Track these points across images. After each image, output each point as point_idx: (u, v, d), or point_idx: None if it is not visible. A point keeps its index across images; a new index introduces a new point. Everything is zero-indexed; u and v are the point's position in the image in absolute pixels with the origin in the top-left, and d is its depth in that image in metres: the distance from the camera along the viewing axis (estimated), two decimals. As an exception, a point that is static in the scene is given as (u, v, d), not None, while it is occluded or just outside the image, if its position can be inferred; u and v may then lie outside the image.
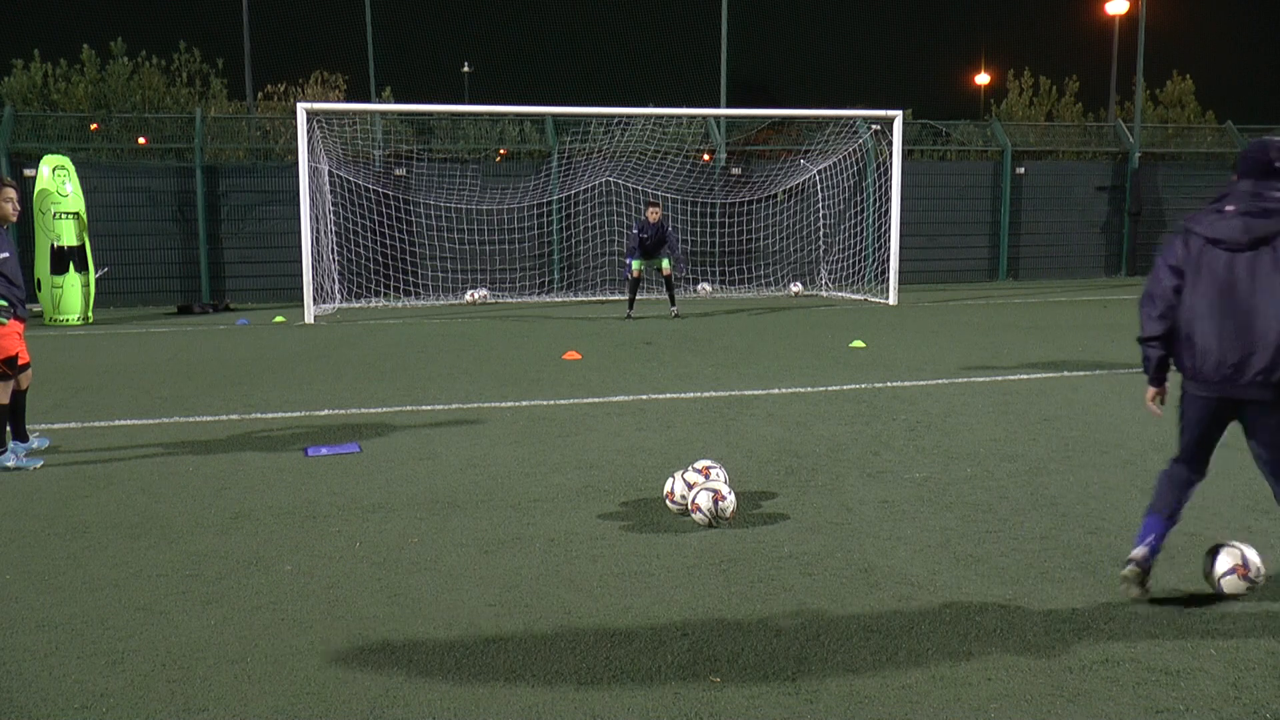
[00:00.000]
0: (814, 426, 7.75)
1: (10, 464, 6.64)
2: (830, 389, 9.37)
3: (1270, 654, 3.75)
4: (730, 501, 5.31)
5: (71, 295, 16.28)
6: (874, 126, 20.47)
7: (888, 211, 19.18)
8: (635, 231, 15.83)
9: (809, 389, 9.36)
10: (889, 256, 18.61)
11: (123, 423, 8.15)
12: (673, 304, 16.12)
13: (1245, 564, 4.21)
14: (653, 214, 15.65)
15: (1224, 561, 4.23)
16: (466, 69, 38.67)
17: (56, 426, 7.95)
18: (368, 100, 22.12)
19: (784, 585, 4.47)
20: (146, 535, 5.26)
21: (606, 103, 20.36)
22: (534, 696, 3.48)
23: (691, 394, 9.18)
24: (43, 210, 16.26)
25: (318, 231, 17.55)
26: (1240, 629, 3.97)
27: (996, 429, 7.60)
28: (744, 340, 13.11)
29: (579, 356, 11.59)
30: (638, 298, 16.55)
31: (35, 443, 7.16)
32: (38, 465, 6.72)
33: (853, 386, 9.49)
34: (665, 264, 15.82)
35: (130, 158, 20.65)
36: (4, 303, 6.66)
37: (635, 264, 15.92)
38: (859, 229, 21.56)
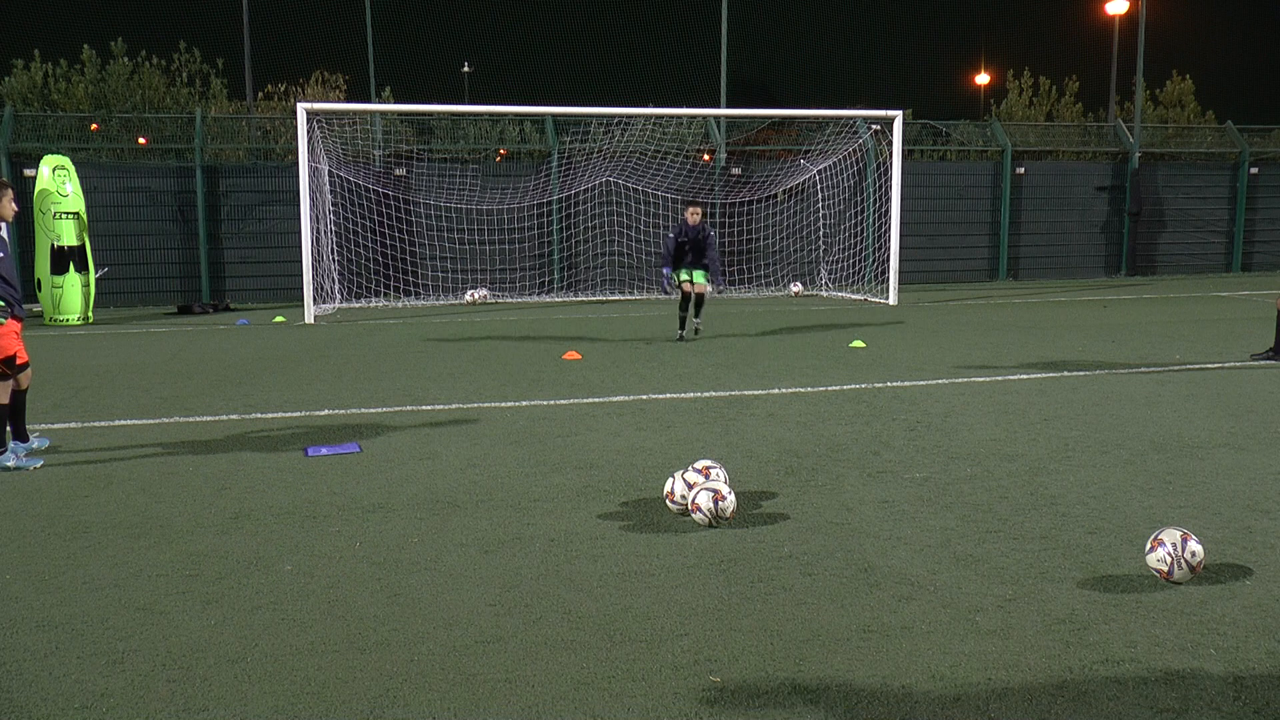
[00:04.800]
0: (814, 426, 7.75)
1: (10, 464, 6.64)
2: (830, 389, 9.37)
3: (1270, 654, 3.75)
4: (730, 501, 5.31)
5: (71, 295, 16.28)
6: (874, 126, 20.48)
7: (888, 211, 19.18)
8: (671, 236, 13.35)
9: (809, 389, 9.36)
10: (889, 256, 18.62)
11: (123, 423, 8.15)
12: (696, 315, 13.47)
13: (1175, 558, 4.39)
14: (693, 215, 13.14)
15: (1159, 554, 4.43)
16: (466, 69, 38.67)
17: (56, 426, 7.95)
18: (368, 100, 22.13)
19: (784, 585, 4.47)
20: (146, 535, 5.26)
21: (606, 103, 20.38)
22: (534, 696, 3.48)
23: (691, 394, 9.18)
24: (43, 210, 16.26)
25: (318, 231, 17.55)
26: (1240, 629, 3.97)
27: (996, 429, 7.60)
28: (744, 340, 13.11)
29: (579, 356, 11.59)
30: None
31: (35, 443, 7.16)
32: (38, 465, 6.71)
33: (853, 386, 9.49)
34: (701, 278, 13.20)
35: (130, 158, 20.65)
36: (1, 303, 6.66)
37: (681, 274, 13.23)
38: (859, 229, 21.57)
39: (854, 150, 20.88)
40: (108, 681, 3.61)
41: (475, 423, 8.02)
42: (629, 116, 19.64)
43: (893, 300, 18.20)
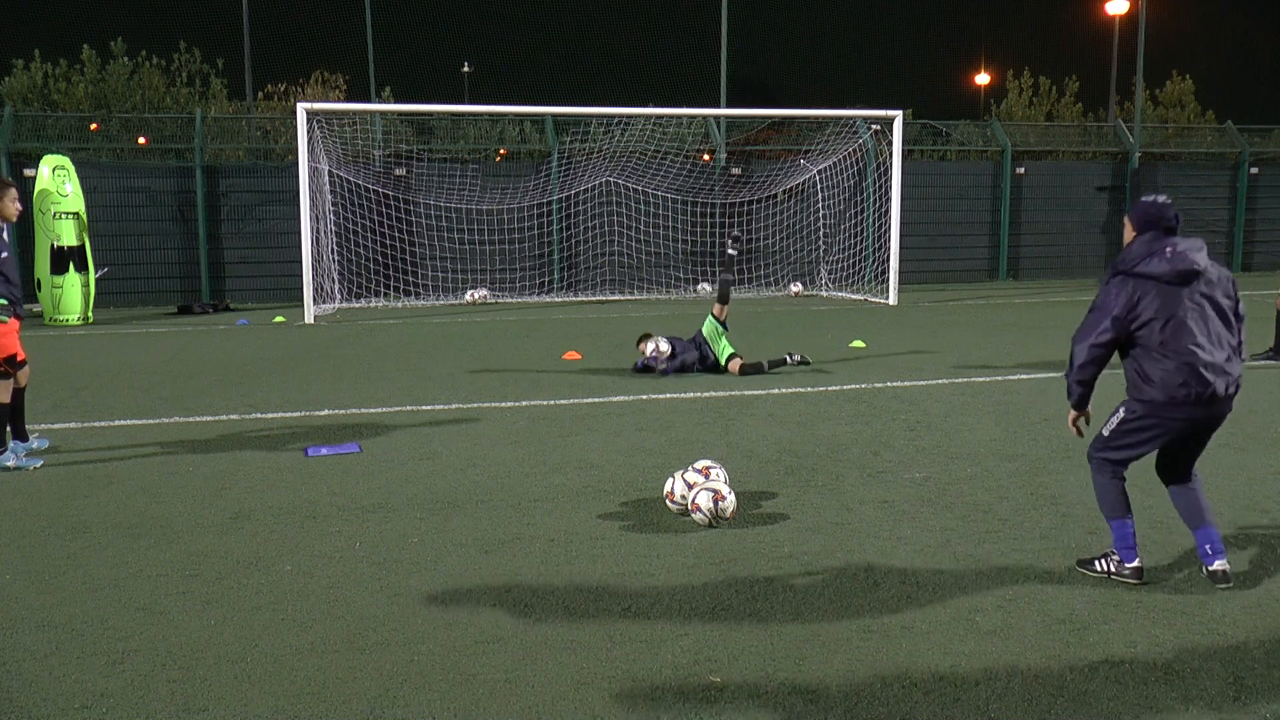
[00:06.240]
0: (814, 426, 7.75)
1: (10, 464, 6.64)
2: (830, 389, 9.37)
3: (1270, 654, 3.75)
4: (730, 501, 5.31)
5: (71, 295, 16.28)
6: (874, 126, 20.48)
7: (888, 211, 19.18)
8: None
9: (809, 389, 9.36)
10: (889, 256, 18.62)
11: (123, 423, 8.15)
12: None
13: None
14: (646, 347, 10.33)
15: None
16: (466, 69, 38.70)
17: (56, 426, 7.95)
18: (368, 100, 22.13)
19: (784, 585, 4.47)
20: (146, 535, 5.26)
21: (606, 103, 20.38)
22: (534, 696, 3.48)
23: (691, 394, 9.17)
24: (43, 210, 16.26)
25: (318, 231, 17.55)
26: (1240, 629, 3.97)
27: (996, 429, 7.60)
28: (744, 340, 13.10)
29: (579, 356, 11.59)
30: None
31: (35, 443, 7.15)
32: (37, 465, 6.71)
33: (853, 386, 9.49)
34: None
35: (130, 158, 20.65)
36: (3, 301, 6.66)
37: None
38: (859, 229, 21.57)
39: (854, 150, 20.87)
40: (108, 681, 3.61)
41: (475, 423, 8.02)
42: (629, 116, 19.63)
43: (893, 300, 18.20)
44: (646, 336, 10.46)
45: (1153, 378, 4.36)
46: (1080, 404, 4.60)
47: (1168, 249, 4.33)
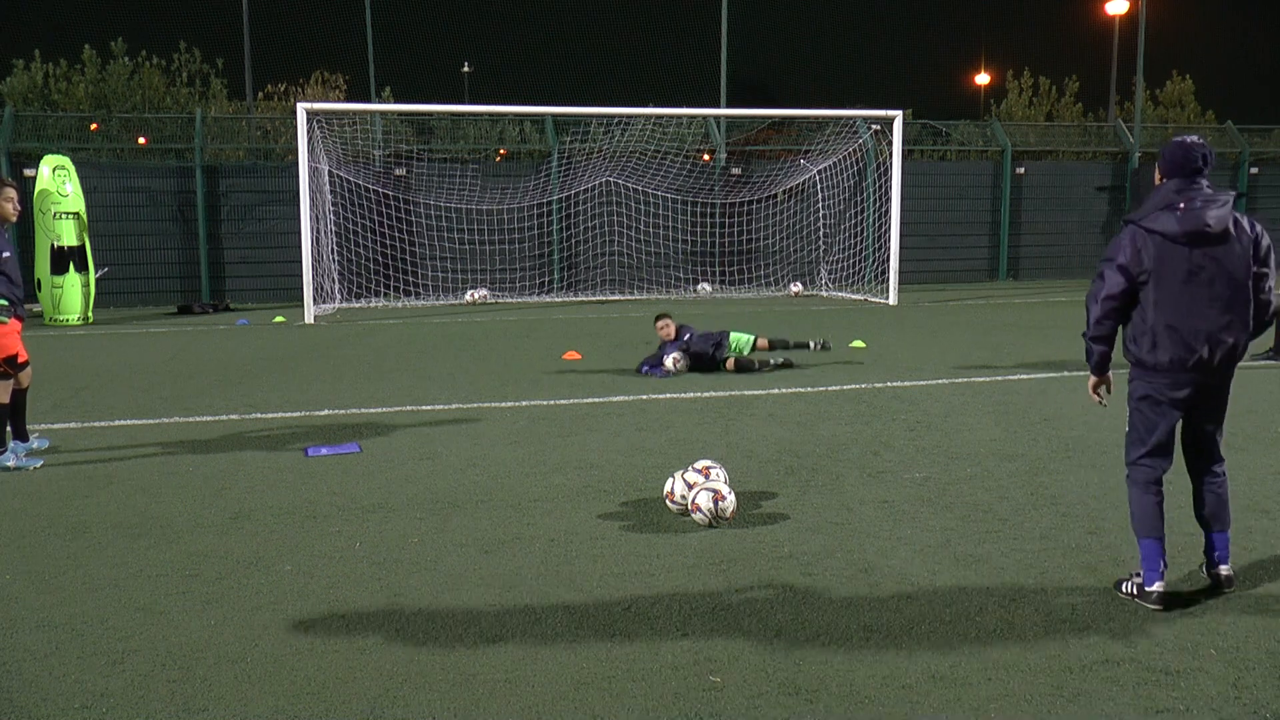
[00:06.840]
0: (814, 426, 7.75)
1: (10, 464, 6.64)
2: (830, 389, 9.37)
3: (1270, 654, 3.75)
4: (730, 501, 5.31)
5: (71, 295, 16.28)
6: (874, 126, 20.48)
7: (888, 211, 19.19)
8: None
9: (809, 389, 9.36)
10: (889, 256, 18.62)
11: (123, 423, 8.15)
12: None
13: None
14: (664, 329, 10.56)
15: None
16: (466, 69, 38.71)
17: (56, 426, 7.95)
18: (368, 100, 22.13)
19: (784, 585, 4.47)
20: (146, 535, 5.26)
21: (606, 103, 20.39)
22: (534, 696, 3.48)
23: (691, 394, 9.17)
24: (43, 210, 16.26)
25: (318, 231, 17.55)
26: (1240, 629, 3.97)
27: (996, 429, 7.60)
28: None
29: (579, 356, 11.59)
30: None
31: (35, 443, 7.15)
32: (37, 465, 6.71)
33: (853, 386, 9.49)
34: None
35: (130, 158, 20.66)
36: (5, 302, 6.66)
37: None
38: (859, 229, 21.57)
39: (854, 150, 20.88)
40: (108, 681, 3.61)
41: (475, 423, 8.02)
42: (629, 116, 19.64)
43: (893, 300, 18.20)
44: (664, 316, 10.74)
45: (1140, 340, 4.26)
46: (1099, 368, 4.45)
47: (1180, 204, 4.12)
